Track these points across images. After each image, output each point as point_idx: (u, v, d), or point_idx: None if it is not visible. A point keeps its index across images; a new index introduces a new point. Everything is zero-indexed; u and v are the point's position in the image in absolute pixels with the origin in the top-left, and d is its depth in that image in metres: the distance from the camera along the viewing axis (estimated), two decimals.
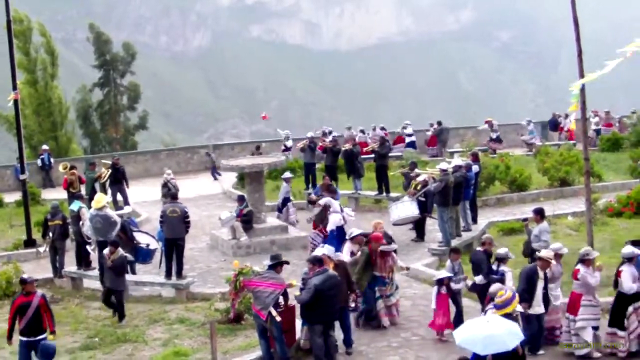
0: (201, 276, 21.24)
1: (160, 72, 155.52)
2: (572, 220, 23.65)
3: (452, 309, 15.80)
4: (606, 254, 19.58)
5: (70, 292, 20.68)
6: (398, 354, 15.00)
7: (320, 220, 21.65)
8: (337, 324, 14.74)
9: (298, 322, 15.19)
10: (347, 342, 15.10)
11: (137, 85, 58.24)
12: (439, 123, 40.04)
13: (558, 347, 14.60)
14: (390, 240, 17.07)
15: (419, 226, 23.18)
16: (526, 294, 13.89)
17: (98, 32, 58.43)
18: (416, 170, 24.40)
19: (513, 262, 18.99)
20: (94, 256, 20.76)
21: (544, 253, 14.57)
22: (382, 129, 38.84)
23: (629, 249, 14.35)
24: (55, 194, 31.55)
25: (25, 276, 15.47)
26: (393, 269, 16.64)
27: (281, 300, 14.47)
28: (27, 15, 46.51)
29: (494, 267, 15.37)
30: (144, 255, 20.85)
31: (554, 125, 40.60)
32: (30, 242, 24.80)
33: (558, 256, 15.04)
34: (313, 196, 23.83)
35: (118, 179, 29.31)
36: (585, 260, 14.28)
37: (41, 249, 23.50)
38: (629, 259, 14.15)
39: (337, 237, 20.43)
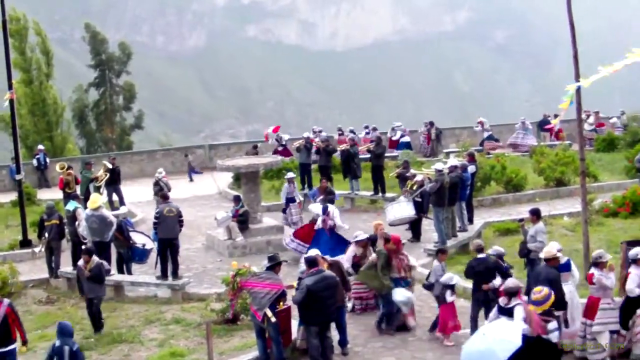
0: (197, 277, 21.23)
1: (156, 71, 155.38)
2: (567, 220, 23.67)
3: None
4: None
5: (66, 292, 20.67)
6: (394, 354, 15.00)
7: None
8: (333, 324, 14.74)
9: (294, 323, 15.20)
10: (343, 342, 15.09)
11: (132, 85, 58.18)
12: (431, 124, 39.88)
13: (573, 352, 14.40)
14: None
15: (414, 226, 23.18)
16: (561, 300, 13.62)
17: (94, 32, 58.38)
18: (412, 171, 24.40)
19: (509, 262, 19.04)
20: None
21: (548, 253, 14.20)
22: (374, 129, 38.78)
23: (636, 250, 14.23)
24: (51, 194, 31.53)
25: None
26: (410, 267, 16.46)
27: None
28: (24, 14, 46.45)
29: None
30: (140, 255, 20.87)
31: (545, 125, 40.16)
32: (25, 243, 24.77)
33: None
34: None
35: (114, 179, 29.27)
36: (598, 263, 14.02)
37: (37, 250, 23.49)
38: (635, 261, 14.06)
39: (323, 242, 20.41)
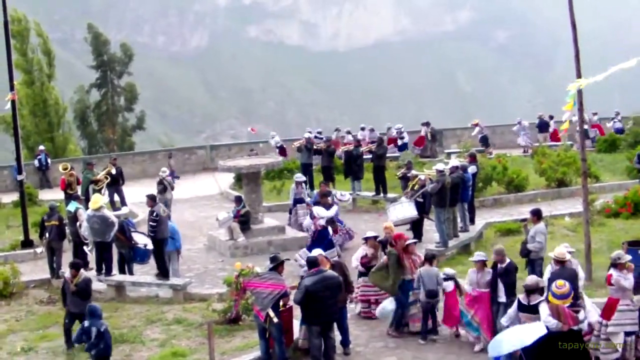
0: (198, 277, 21.25)
1: (157, 72, 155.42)
2: (569, 221, 23.67)
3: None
4: (603, 254, 19.61)
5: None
6: (395, 354, 15.00)
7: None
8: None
9: (296, 323, 15.21)
10: (345, 342, 15.09)
11: (134, 86, 58.15)
12: (427, 124, 39.80)
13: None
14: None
15: (416, 227, 23.17)
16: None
17: (96, 33, 58.36)
18: (413, 172, 24.39)
19: None
20: (91, 257, 20.79)
21: (558, 254, 14.06)
22: (372, 130, 38.72)
23: None
24: (53, 195, 31.54)
25: None
26: None
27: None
28: (25, 15, 46.46)
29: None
30: (141, 256, 20.84)
31: (543, 126, 40.05)
32: (27, 243, 24.79)
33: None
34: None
35: (116, 180, 29.30)
36: (617, 264, 13.85)
37: (39, 250, 23.56)
38: None
39: (316, 241, 20.37)
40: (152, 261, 20.95)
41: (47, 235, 21.26)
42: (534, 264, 16.69)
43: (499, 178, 28.48)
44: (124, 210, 26.45)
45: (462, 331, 15.44)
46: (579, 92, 16.89)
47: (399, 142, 38.37)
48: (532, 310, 12.75)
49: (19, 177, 26.00)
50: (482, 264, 15.09)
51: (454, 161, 23.22)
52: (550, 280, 13.64)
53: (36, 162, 37.49)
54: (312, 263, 14.29)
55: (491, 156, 33.68)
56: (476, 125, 39.50)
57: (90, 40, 58.65)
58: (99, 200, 20.17)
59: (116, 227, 19.81)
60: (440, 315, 15.86)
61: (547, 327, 12.23)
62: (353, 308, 16.88)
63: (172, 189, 28.28)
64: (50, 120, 47.04)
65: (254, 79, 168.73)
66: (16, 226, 27.29)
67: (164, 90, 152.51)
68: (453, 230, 21.52)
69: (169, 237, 20.32)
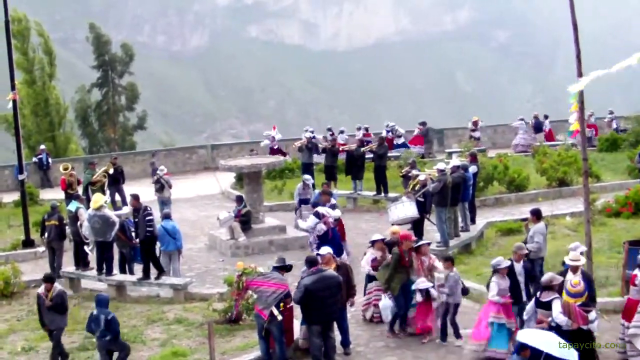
0: (199, 276, 21.25)
1: (158, 72, 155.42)
2: (570, 220, 23.66)
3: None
4: (604, 254, 19.64)
5: (68, 292, 20.67)
6: (396, 354, 14.98)
7: None
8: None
9: (296, 323, 15.20)
10: (345, 342, 15.08)
11: (135, 85, 58.21)
12: (424, 123, 39.71)
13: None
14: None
15: (417, 227, 23.14)
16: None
17: (98, 33, 58.38)
18: (414, 171, 24.36)
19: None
20: (92, 257, 20.80)
21: (572, 259, 13.82)
22: (366, 129, 38.59)
23: None
24: (54, 194, 31.54)
25: None
26: (432, 271, 15.76)
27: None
28: (25, 15, 46.47)
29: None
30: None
31: (538, 127, 39.91)
32: (28, 243, 24.80)
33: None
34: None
35: (116, 179, 29.31)
36: None
37: (40, 250, 23.57)
38: None
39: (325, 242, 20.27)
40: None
41: (46, 234, 21.26)
42: (534, 264, 16.68)
43: (500, 177, 28.48)
44: (125, 210, 26.44)
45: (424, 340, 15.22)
46: (580, 91, 16.88)
47: (395, 142, 38.04)
48: (546, 307, 12.75)
49: (20, 177, 26.00)
50: (507, 270, 14.71)
51: (455, 161, 23.22)
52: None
53: (34, 159, 37.57)
54: (312, 262, 14.29)
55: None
56: (475, 123, 39.41)
57: (91, 40, 58.69)
58: (99, 199, 20.16)
59: (117, 227, 19.81)
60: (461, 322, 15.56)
61: (557, 324, 12.25)
62: (354, 311, 16.67)
63: (170, 187, 28.27)
64: (51, 120, 47.08)
65: (254, 79, 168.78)
66: (17, 226, 27.29)
67: (164, 90, 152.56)
68: (454, 229, 21.51)
69: (171, 237, 20.33)
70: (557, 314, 12.45)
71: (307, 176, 25.87)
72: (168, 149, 47.40)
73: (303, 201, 24.86)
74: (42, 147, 38.77)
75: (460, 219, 22.16)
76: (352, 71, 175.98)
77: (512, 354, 12.43)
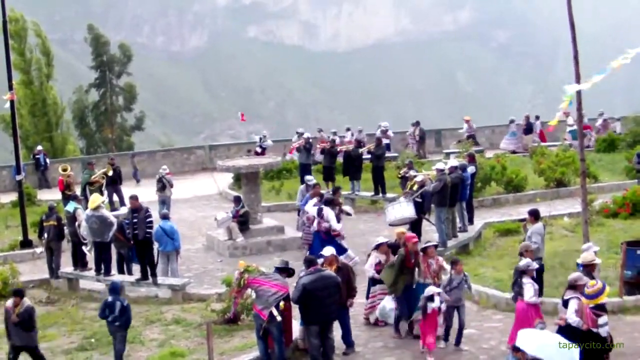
0: (197, 277, 21.25)
1: (157, 72, 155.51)
2: (568, 221, 23.66)
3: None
4: (602, 255, 19.59)
5: (67, 292, 20.72)
6: (394, 354, 14.97)
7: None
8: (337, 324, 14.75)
9: (295, 323, 15.19)
10: (347, 342, 15.08)
11: (133, 86, 58.20)
12: (417, 124, 39.63)
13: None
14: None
15: (415, 227, 23.12)
16: None
17: (97, 34, 58.37)
18: (411, 172, 24.34)
19: (508, 262, 19.07)
20: (90, 257, 20.80)
21: (585, 259, 13.71)
22: (360, 132, 38.45)
23: None
24: (52, 195, 31.56)
25: None
26: (439, 274, 15.51)
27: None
28: (22, 15, 46.46)
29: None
30: None
31: (529, 128, 39.60)
32: (26, 243, 24.81)
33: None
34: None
35: (114, 180, 29.33)
36: None
37: (38, 250, 23.56)
38: None
39: (317, 244, 20.22)
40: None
41: (45, 235, 21.26)
42: None
43: (497, 178, 28.48)
44: (123, 210, 26.45)
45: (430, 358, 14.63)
46: (578, 92, 16.90)
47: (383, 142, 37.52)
48: (565, 305, 12.74)
49: (18, 177, 26.02)
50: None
51: (453, 161, 23.22)
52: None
53: (30, 157, 37.60)
54: (310, 262, 14.30)
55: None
56: (467, 122, 39.30)
57: (90, 41, 58.69)
58: (97, 200, 20.15)
59: (115, 227, 19.81)
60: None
61: (570, 323, 12.34)
62: (353, 312, 16.56)
63: (171, 186, 28.40)
64: (49, 120, 47.10)
65: (253, 79, 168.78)
66: (15, 226, 27.29)
67: (163, 91, 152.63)
68: (452, 230, 21.51)
69: (169, 237, 20.32)
70: (571, 314, 12.47)
71: (309, 177, 25.64)
72: (166, 150, 47.43)
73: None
74: (40, 147, 38.75)
75: (458, 220, 22.15)
76: (352, 72, 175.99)
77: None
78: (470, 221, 23.16)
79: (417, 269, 15.54)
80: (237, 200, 24.28)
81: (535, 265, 14.34)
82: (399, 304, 15.65)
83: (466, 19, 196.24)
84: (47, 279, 21.50)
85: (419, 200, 22.25)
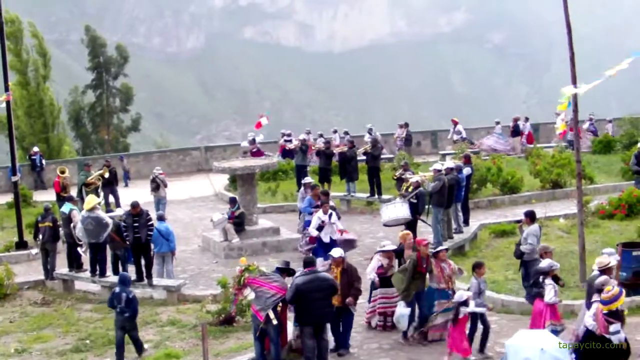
0: (192, 278, 21.22)
1: (153, 73, 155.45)
2: (563, 222, 23.67)
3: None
4: (598, 256, 19.62)
5: (62, 294, 20.68)
6: (389, 355, 14.97)
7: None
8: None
9: (290, 324, 15.19)
10: (342, 343, 15.09)
11: (130, 87, 58.17)
12: (406, 125, 39.59)
13: None
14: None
15: (410, 228, 23.14)
16: None
17: (93, 35, 58.32)
18: (407, 174, 24.35)
19: (504, 264, 19.08)
20: (85, 258, 20.77)
21: (600, 264, 13.44)
22: (346, 133, 38.36)
23: None
24: (47, 196, 31.50)
25: None
26: (452, 278, 15.34)
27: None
28: (17, 16, 46.40)
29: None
30: None
31: (516, 130, 39.33)
32: (21, 244, 24.74)
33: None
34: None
35: (110, 181, 29.31)
36: None
37: (33, 251, 23.52)
38: None
39: (323, 247, 20.15)
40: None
41: (40, 236, 21.23)
42: (528, 266, 16.71)
43: (493, 179, 28.48)
44: (118, 211, 26.42)
45: None
46: (574, 95, 16.92)
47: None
48: (589, 308, 12.71)
49: (14, 178, 25.94)
50: None
51: (449, 162, 23.23)
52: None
53: (26, 157, 37.60)
54: (307, 263, 14.31)
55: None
56: (456, 123, 39.25)
57: (86, 42, 58.66)
58: (92, 201, 20.12)
59: (110, 228, 19.78)
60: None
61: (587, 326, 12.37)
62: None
63: (165, 186, 28.36)
64: (45, 121, 47.04)
65: (249, 80, 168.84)
66: (10, 227, 27.25)
67: (159, 92, 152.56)
68: (447, 231, 21.50)
69: (165, 238, 20.30)
70: (588, 317, 12.47)
71: (307, 178, 25.55)
72: (162, 151, 47.40)
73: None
74: (35, 148, 38.67)
75: (453, 221, 22.16)
76: (348, 73, 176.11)
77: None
78: (466, 222, 23.16)
79: (428, 274, 15.34)
80: (232, 201, 24.26)
81: (558, 265, 14.30)
82: (411, 308, 15.36)
83: (461, 21, 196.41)
84: (42, 280, 21.46)
85: (414, 201, 22.28)
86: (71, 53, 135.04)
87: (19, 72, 45.70)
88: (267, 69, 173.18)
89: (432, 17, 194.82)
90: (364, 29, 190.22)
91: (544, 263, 14.21)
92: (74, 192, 28.56)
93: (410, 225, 22.99)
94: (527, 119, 40.10)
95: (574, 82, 16.79)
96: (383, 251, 16.21)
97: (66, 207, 21.14)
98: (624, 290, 12.42)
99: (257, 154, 33.45)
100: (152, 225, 19.52)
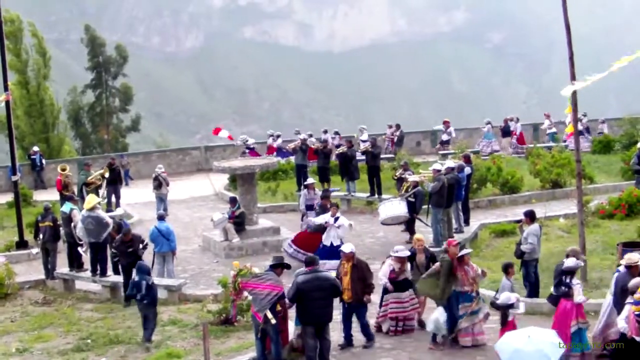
0: (193, 278, 21.25)
1: (152, 73, 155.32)
2: (563, 222, 23.69)
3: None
4: (598, 255, 19.68)
5: (63, 293, 20.71)
6: (391, 355, 14.98)
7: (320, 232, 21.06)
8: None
9: (290, 324, 15.21)
10: (367, 336, 15.37)
11: (129, 87, 58.15)
12: (397, 126, 39.55)
13: None
14: (430, 254, 16.37)
15: (408, 227, 23.20)
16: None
17: (93, 35, 58.29)
18: (407, 174, 24.36)
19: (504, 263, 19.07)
20: (85, 258, 20.79)
21: (629, 260, 13.33)
22: (336, 133, 38.28)
23: None
24: (47, 196, 31.50)
25: None
26: (477, 280, 15.21)
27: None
28: (18, 15, 46.36)
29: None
30: None
31: (507, 131, 39.30)
32: (22, 244, 24.75)
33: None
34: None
35: (114, 180, 29.41)
36: None
37: (34, 251, 23.53)
38: None
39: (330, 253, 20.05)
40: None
41: (41, 236, 21.25)
42: (528, 265, 16.76)
43: (493, 179, 28.50)
44: (118, 211, 26.44)
45: None
46: (573, 93, 16.95)
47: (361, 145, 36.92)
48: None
49: (14, 178, 25.95)
50: None
51: (450, 162, 23.26)
52: (615, 285, 13.38)
53: (26, 158, 37.57)
54: (308, 262, 14.37)
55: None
56: (445, 124, 39.24)
57: (86, 41, 58.63)
58: (92, 200, 20.14)
59: (110, 228, 19.79)
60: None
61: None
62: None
63: (167, 184, 28.61)
64: (45, 121, 47.00)
65: (249, 80, 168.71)
66: (11, 227, 27.26)
67: (158, 91, 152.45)
68: (448, 231, 21.50)
69: (165, 238, 20.28)
70: (621, 320, 12.44)
71: (310, 180, 25.57)
72: (161, 150, 47.40)
73: (310, 207, 24.06)
74: (35, 148, 38.62)
75: (454, 221, 22.18)
76: (347, 72, 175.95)
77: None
78: (466, 222, 23.20)
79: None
80: (233, 201, 24.28)
81: (582, 264, 14.20)
82: (449, 313, 15.05)
83: (461, 20, 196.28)
84: (42, 279, 21.49)
85: (412, 200, 22.32)
86: (70, 53, 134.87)
87: (18, 71, 45.65)
88: (266, 68, 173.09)
89: (431, 17, 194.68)
90: (364, 28, 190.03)
91: (570, 262, 14.06)
92: (76, 190, 28.55)
93: (409, 224, 23.07)
94: (517, 119, 40.05)
95: (573, 82, 16.80)
96: (397, 257, 15.91)
97: (67, 207, 21.17)
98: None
99: (251, 154, 33.68)
100: (138, 251, 19.03)
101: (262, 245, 23.48)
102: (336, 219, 20.57)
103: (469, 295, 15.01)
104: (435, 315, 14.97)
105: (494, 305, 14.49)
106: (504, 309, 13.98)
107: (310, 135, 36.47)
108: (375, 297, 16.05)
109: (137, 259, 18.37)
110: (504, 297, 14.10)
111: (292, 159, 33.32)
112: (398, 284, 15.84)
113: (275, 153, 36.16)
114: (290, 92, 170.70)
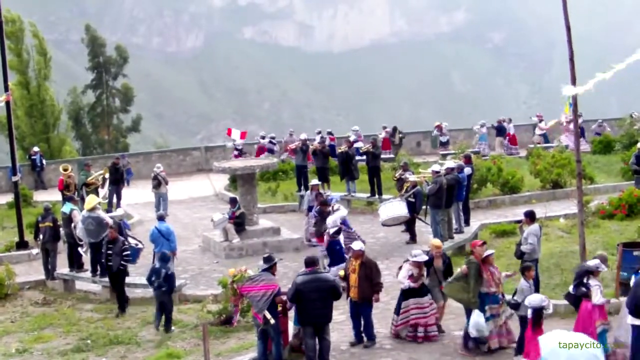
0: (193, 278, 21.24)
1: (153, 73, 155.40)
2: (564, 222, 23.66)
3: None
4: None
5: (63, 294, 20.72)
6: (390, 355, 14.98)
7: (319, 232, 20.97)
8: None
9: (290, 324, 15.22)
10: (368, 336, 15.37)
11: (129, 88, 58.15)
12: (394, 129, 39.51)
13: None
14: (448, 260, 16.30)
15: (409, 227, 23.19)
16: None
17: (93, 35, 58.28)
18: (406, 174, 24.35)
19: (504, 264, 19.09)
20: (86, 258, 20.79)
21: None
22: (330, 133, 38.21)
23: None
24: (47, 196, 31.52)
25: None
26: (501, 281, 15.00)
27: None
28: (19, 16, 46.36)
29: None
30: (133, 255, 20.78)
31: (501, 131, 39.31)
32: (22, 244, 24.74)
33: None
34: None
35: (117, 180, 29.44)
36: None
37: (34, 251, 23.53)
38: None
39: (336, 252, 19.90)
40: (147, 261, 20.91)
41: (41, 236, 21.25)
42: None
43: (494, 179, 28.48)
44: (119, 211, 26.45)
45: None
46: (574, 94, 16.92)
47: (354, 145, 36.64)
48: None
49: (14, 179, 25.94)
50: None
51: (449, 162, 23.23)
52: (636, 285, 13.19)
53: (27, 159, 37.57)
54: (308, 263, 14.35)
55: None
56: (439, 127, 39.24)
57: (86, 41, 58.62)
58: (93, 201, 20.16)
59: (109, 229, 19.75)
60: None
61: None
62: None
63: (166, 183, 28.65)
64: (45, 121, 46.99)
65: (249, 80, 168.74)
66: (11, 227, 27.27)
67: (159, 92, 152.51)
68: (448, 231, 21.49)
69: (165, 238, 20.25)
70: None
71: (315, 181, 25.36)
72: (162, 151, 47.40)
73: (312, 208, 23.56)
74: (36, 148, 38.59)
75: (454, 221, 22.17)
76: (348, 72, 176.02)
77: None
78: (467, 222, 23.17)
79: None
80: (233, 201, 24.29)
81: (604, 267, 14.04)
82: (468, 317, 14.88)
83: (461, 20, 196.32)
84: (43, 280, 21.50)
85: (412, 200, 22.31)
86: (71, 53, 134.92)
87: (19, 72, 45.65)
88: (266, 68, 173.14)
89: (432, 17, 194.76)
90: (364, 28, 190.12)
91: (592, 262, 13.93)
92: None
93: (409, 224, 23.07)
94: (510, 120, 40.13)
95: (574, 82, 16.79)
96: (415, 262, 15.66)
97: (67, 207, 21.18)
98: (602, 286, 12.37)
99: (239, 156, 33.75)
100: (127, 255, 18.96)
101: (262, 245, 23.45)
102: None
103: (496, 296, 14.77)
104: (475, 319, 14.62)
105: (513, 306, 14.27)
106: (539, 311, 13.37)
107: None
108: (384, 298, 16.02)
109: (113, 266, 18.66)
110: (537, 299, 13.46)
111: (292, 159, 33.33)
112: (418, 289, 15.58)
113: (265, 154, 36.12)
114: (290, 93, 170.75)
